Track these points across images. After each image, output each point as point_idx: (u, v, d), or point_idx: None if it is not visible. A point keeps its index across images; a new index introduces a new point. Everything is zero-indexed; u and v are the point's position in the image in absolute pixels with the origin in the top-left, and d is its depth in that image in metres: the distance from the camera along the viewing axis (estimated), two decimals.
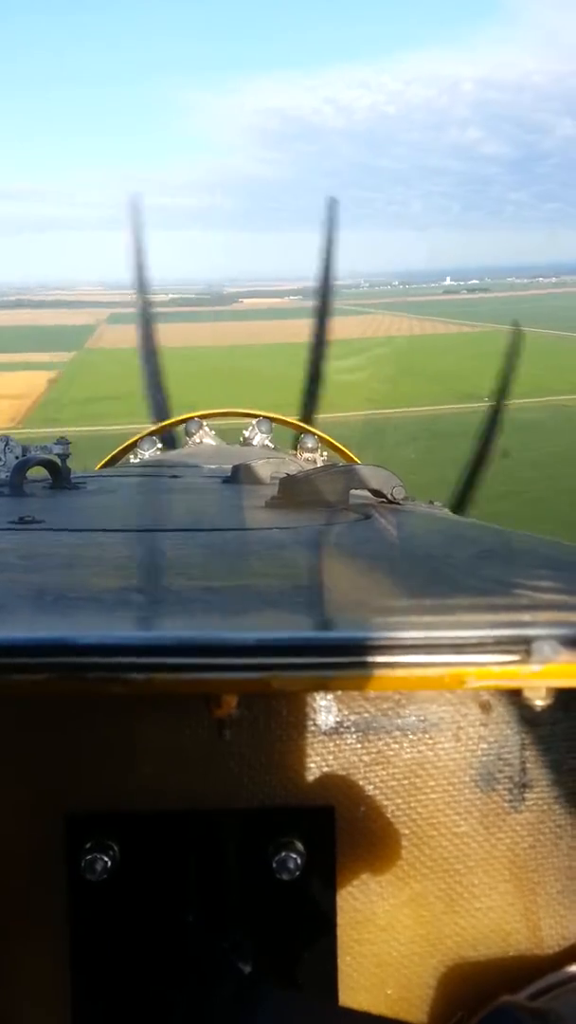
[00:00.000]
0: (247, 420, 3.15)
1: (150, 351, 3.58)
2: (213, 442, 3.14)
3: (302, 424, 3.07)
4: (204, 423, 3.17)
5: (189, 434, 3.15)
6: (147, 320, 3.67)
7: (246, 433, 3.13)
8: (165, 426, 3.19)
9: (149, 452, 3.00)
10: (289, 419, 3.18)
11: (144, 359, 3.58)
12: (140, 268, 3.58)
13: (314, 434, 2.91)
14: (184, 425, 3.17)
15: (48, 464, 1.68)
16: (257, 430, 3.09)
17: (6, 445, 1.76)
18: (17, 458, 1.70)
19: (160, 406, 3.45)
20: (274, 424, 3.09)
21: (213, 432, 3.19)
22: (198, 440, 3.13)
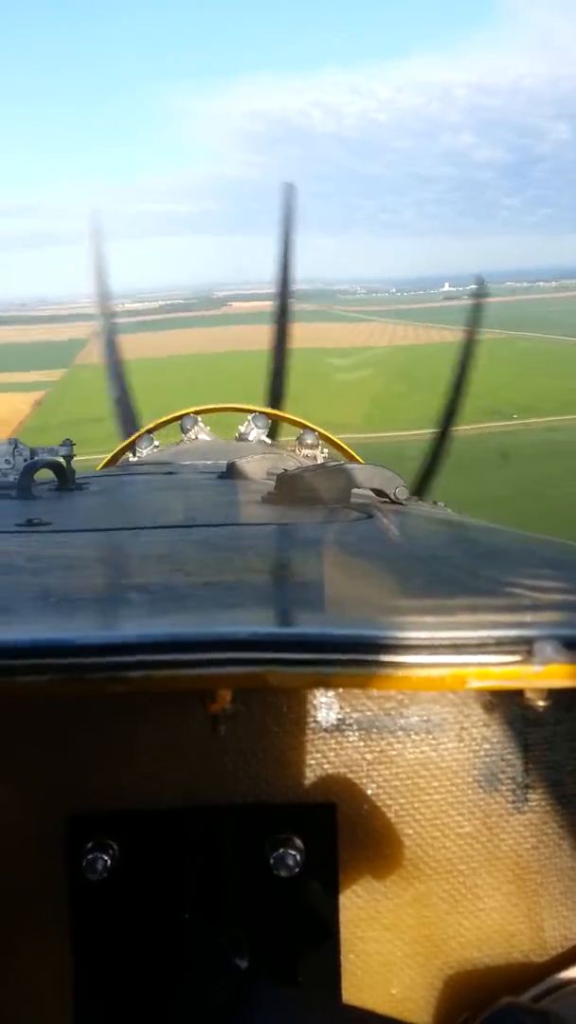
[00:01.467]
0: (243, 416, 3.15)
1: (116, 365, 3.60)
2: (208, 438, 3.15)
3: (300, 420, 3.07)
4: (199, 419, 3.18)
5: (185, 431, 3.16)
6: (111, 333, 3.67)
7: (242, 428, 3.13)
8: (162, 423, 3.20)
9: (147, 450, 3.01)
10: (287, 415, 3.18)
11: (111, 374, 3.59)
12: (101, 278, 3.56)
13: (313, 430, 2.91)
14: (180, 421, 3.18)
15: (54, 466, 1.70)
16: (253, 425, 3.10)
17: (15, 448, 1.78)
18: (26, 461, 1.72)
19: (129, 421, 3.46)
20: (271, 421, 3.09)
21: (208, 428, 3.20)
22: (193, 436, 3.14)
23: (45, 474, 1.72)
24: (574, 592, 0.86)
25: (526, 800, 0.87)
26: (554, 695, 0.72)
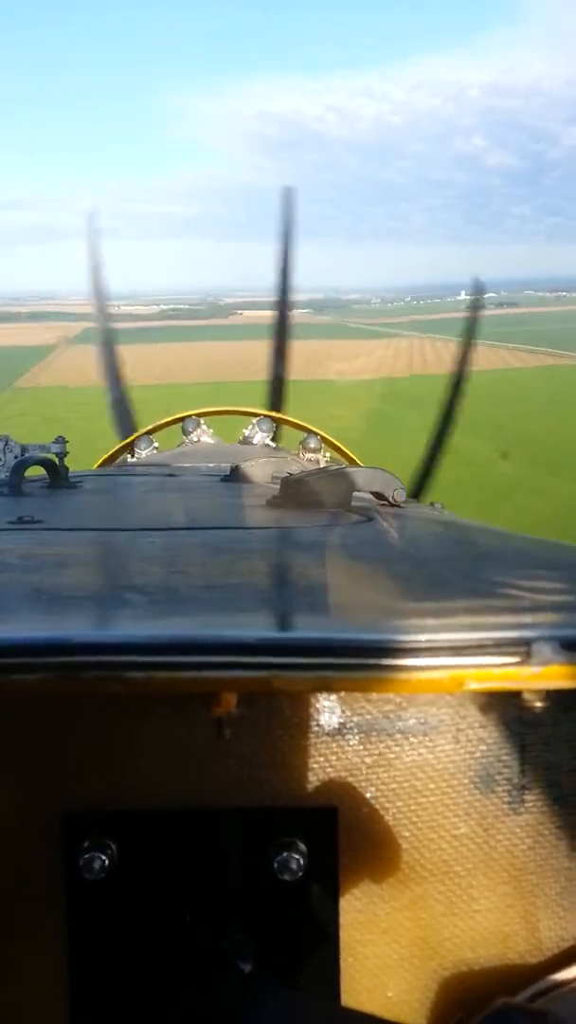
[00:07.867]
0: (247, 419, 3.13)
1: (113, 373, 3.49)
2: (211, 440, 3.13)
3: (305, 424, 3.05)
4: (202, 421, 3.15)
5: (186, 433, 3.14)
6: (108, 340, 3.54)
7: (246, 432, 3.12)
8: (162, 425, 3.17)
9: (146, 451, 2.98)
10: (292, 419, 3.16)
11: (108, 382, 3.47)
12: (97, 280, 3.44)
13: (317, 434, 2.89)
14: (181, 424, 3.15)
15: (46, 463, 1.68)
16: (258, 429, 3.08)
17: (5, 445, 1.76)
18: (16, 457, 1.70)
19: (126, 425, 3.35)
20: (275, 424, 3.07)
21: (211, 431, 3.18)
22: (195, 439, 3.12)
23: (37, 471, 1.70)
24: (572, 593, 0.86)
25: (522, 801, 0.88)
26: (552, 696, 0.73)
